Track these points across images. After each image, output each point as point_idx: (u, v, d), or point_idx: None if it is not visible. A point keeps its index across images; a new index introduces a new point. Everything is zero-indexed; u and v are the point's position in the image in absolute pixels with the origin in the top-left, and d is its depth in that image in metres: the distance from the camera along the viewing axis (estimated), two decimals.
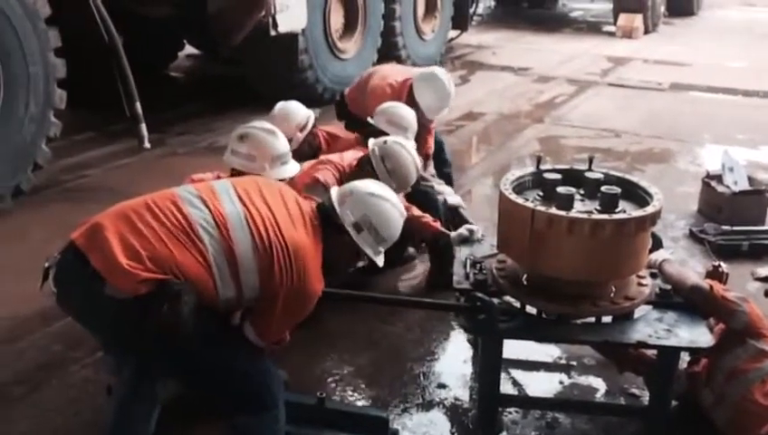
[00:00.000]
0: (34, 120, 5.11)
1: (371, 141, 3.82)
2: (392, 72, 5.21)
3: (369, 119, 4.32)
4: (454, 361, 3.63)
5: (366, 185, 2.72)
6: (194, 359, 2.43)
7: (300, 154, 4.26)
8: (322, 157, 3.84)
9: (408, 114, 4.36)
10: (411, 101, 4.68)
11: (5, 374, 3.37)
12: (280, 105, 4.38)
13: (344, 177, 3.66)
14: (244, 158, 3.31)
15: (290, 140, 4.22)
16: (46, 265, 2.41)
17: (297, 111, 4.32)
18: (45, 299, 2.44)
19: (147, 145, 5.76)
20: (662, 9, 15.38)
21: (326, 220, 2.60)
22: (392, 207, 2.67)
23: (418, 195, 4.09)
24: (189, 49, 9.94)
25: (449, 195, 4.53)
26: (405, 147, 3.77)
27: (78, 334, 3.45)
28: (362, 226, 2.59)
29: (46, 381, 3.33)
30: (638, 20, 13.81)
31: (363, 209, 2.60)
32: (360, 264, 2.73)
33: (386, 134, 4.11)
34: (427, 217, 3.87)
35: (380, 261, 2.70)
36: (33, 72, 5.04)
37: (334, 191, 2.70)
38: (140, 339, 2.34)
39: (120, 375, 2.64)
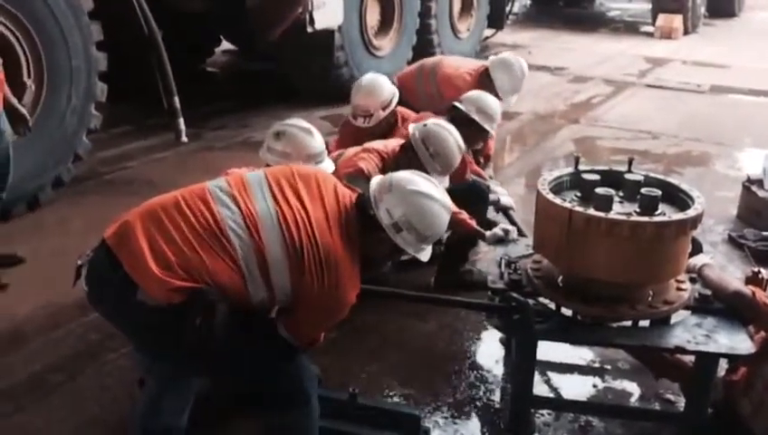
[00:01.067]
0: (76, 113, 5.20)
1: (411, 126, 3.80)
2: (462, 62, 5.46)
3: (456, 103, 4.32)
4: (486, 360, 3.61)
5: (407, 179, 2.49)
6: (226, 360, 2.40)
7: (376, 131, 4.28)
8: (366, 145, 3.83)
9: (497, 106, 4.40)
10: (485, 88, 4.77)
11: (43, 362, 3.44)
12: (368, 78, 4.44)
13: (388, 164, 3.62)
14: (279, 155, 3.32)
15: (370, 116, 4.33)
16: (79, 262, 2.39)
17: (383, 88, 4.38)
18: (82, 289, 2.46)
19: (184, 139, 5.83)
20: (702, 10, 15.13)
21: (364, 214, 2.46)
22: (435, 204, 2.47)
23: (467, 187, 4.07)
24: (225, 45, 10.04)
25: (503, 196, 4.52)
26: (446, 128, 3.74)
27: None
28: (401, 226, 2.41)
29: (83, 370, 3.40)
30: (677, 20, 13.61)
31: (403, 209, 2.41)
32: (404, 257, 2.63)
33: (473, 121, 4.18)
34: (464, 214, 3.84)
35: (425, 257, 2.55)
36: (75, 66, 5.13)
37: (374, 183, 2.52)
38: (171, 345, 2.32)
39: (153, 369, 2.63)
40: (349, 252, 2.39)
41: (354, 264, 2.42)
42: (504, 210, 4.41)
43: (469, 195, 4.00)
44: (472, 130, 4.24)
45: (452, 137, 3.71)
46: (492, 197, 4.42)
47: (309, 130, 3.39)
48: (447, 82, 5.07)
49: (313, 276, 2.32)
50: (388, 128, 4.39)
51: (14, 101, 4.13)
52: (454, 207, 3.77)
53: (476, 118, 4.22)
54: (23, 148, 4.47)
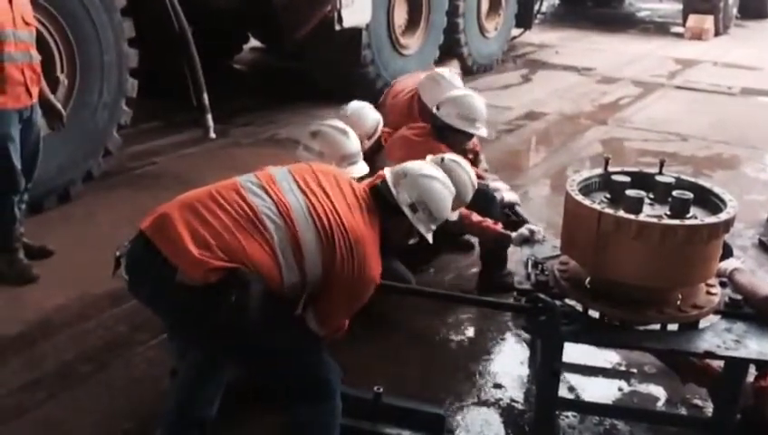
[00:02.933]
0: (107, 108, 5.27)
1: (429, 158, 3.78)
2: (404, 86, 5.07)
3: (434, 110, 4.27)
4: (510, 361, 3.61)
5: (418, 166, 2.80)
6: (256, 347, 2.48)
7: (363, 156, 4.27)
8: (380, 172, 3.82)
9: (479, 105, 4.22)
10: (424, 109, 4.60)
11: (74, 352, 3.50)
12: (353, 108, 4.26)
13: None
14: (315, 154, 3.38)
15: None
16: (117, 254, 2.47)
17: (368, 118, 4.21)
18: (112, 281, 2.53)
19: (212, 135, 5.88)
20: (734, 11, 14.91)
21: (381, 201, 2.68)
22: (444, 187, 2.79)
23: (476, 196, 4.03)
24: (253, 42, 10.11)
25: (505, 191, 4.38)
26: (461, 164, 3.70)
27: (143, 317, 3.55)
28: (417, 206, 2.68)
29: (112, 361, 3.44)
30: (708, 21, 13.44)
31: (418, 190, 2.69)
32: (411, 241, 2.88)
33: (453, 128, 4.10)
34: (487, 221, 3.83)
35: (431, 238, 2.77)
36: (107, 61, 5.19)
37: (388, 173, 2.75)
38: (208, 325, 2.40)
39: (186, 358, 2.68)
40: (371, 235, 2.58)
41: (375, 244, 2.60)
42: (510, 207, 4.26)
43: (476, 200, 3.95)
44: (456, 136, 4.14)
45: (466, 174, 3.67)
46: (495, 195, 4.33)
47: (344, 131, 3.42)
48: (389, 111, 4.82)
49: (344, 258, 2.47)
50: (371, 153, 4.21)
51: (51, 96, 4.21)
52: (476, 216, 3.78)
53: (456, 124, 4.10)
54: (54, 142, 4.55)
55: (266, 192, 2.49)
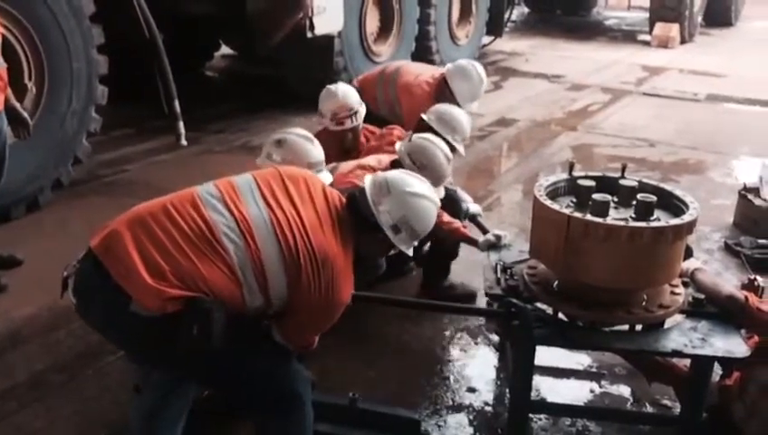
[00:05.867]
0: (76, 115, 5.23)
1: (398, 144, 3.80)
2: (422, 69, 5.33)
3: (422, 115, 4.31)
4: (483, 365, 3.64)
5: (402, 180, 2.55)
6: (220, 368, 2.35)
7: (342, 145, 4.33)
8: (361, 161, 3.83)
9: (462, 116, 4.26)
10: (444, 96, 4.80)
11: (45, 362, 3.46)
12: (336, 84, 4.52)
13: None
14: (279, 163, 3.34)
15: (355, 114, 4.38)
16: (65, 273, 2.30)
17: (354, 92, 4.48)
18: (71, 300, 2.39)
19: (184, 142, 5.87)
20: (699, 19, 15.22)
21: (357, 214, 2.48)
22: (429, 203, 2.57)
23: (445, 201, 4.05)
24: (224, 49, 10.07)
25: (468, 202, 4.37)
26: (431, 140, 3.69)
27: None
28: (401, 227, 2.48)
29: (84, 371, 3.41)
30: (674, 29, 13.71)
31: (403, 211, 2.48)
32: (391, 252, 2.73)
33: (434, 131, 4.10)
34: (457, 223, 3.85)
35: (411, 251, 2.61)
36: (76, 68, 5.15)
37: (369, 186, 2.54)
38: (167, 355, 2.27)
39: (148, 379, 2.54)
40: (342, 250, 2.39)
41: (347, 262, 2.42)
42: (473, 218, 4.25)
43: (444, 206, 3.96)
44: None
45: (438, 149, 3.67)
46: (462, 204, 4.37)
47: (310, 139, 3.42)
48: (406, 90, 5.02)
49: (310, 278, 2.30)
50: (355, 143, 4.39)
51: (17, 104, 4.15)
52: (446, 216, 3.80)
53: (437, 128, 4.08)
54: (23, 150, 4.49)
55: (226, 206, 2.30)
